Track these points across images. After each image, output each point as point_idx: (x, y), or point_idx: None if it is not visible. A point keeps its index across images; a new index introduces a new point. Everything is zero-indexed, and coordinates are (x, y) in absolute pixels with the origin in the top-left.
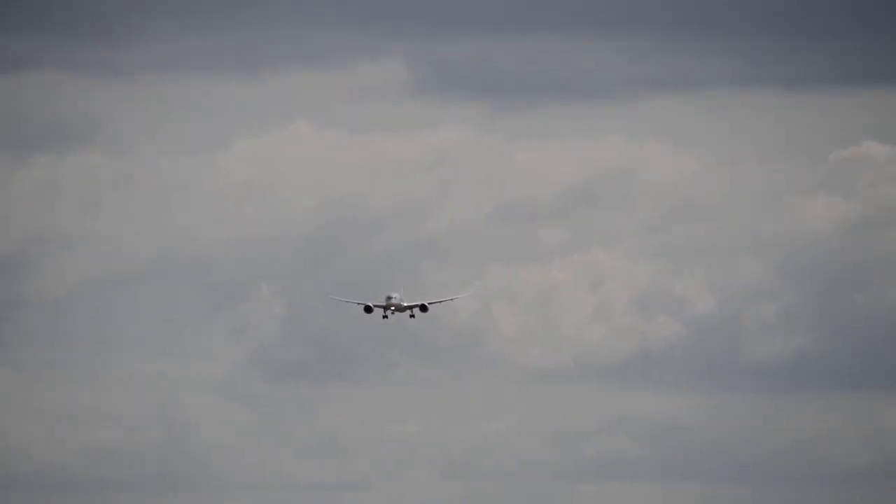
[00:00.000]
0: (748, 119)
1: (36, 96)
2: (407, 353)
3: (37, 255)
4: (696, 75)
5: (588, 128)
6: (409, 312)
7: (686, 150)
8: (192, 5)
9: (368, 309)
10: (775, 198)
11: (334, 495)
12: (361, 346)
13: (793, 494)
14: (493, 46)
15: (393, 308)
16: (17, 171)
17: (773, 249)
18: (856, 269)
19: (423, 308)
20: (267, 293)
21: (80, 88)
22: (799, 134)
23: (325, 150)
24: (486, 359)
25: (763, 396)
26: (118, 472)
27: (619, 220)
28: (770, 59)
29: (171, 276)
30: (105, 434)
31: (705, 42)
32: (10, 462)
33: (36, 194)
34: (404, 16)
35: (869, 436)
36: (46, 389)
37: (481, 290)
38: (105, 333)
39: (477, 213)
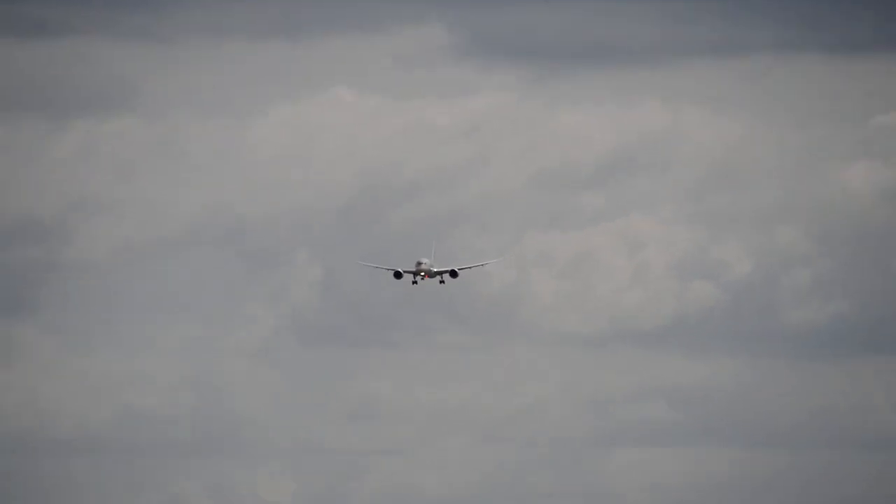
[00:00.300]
0: (788, 84)
1: (75, 62)
2: (443, 319)
3: (74, 221)
4: (736, 40)
5: (627, 93)
6: (438, 278)
7: (725, 116)
8: None
9: (398, 275)
10: (814, 163)
11: (369, 461)
12: (398, 311)
13: (829, 460)
14: (532, 12)
15: (423, 273)
16: (55, 137)
17: (811, 215)
18: (894, 235)
19: (453, 274)
20: (303, 259)
21: (120, 54)
22: (839, 99)
23: (364, 117)
24: (523, 325)
25: (799, 362)
26: (154, 437)
27: (657, 185)
28: (810, 24)
29: (208, 242)
30: (141, 399)
31: (745, 7)
32: (46, 427)
33: (74, 159)
34: None
35: None
36: (83, 354)
37: (511, 256)
38: (141, 299)
39: (516, 180)
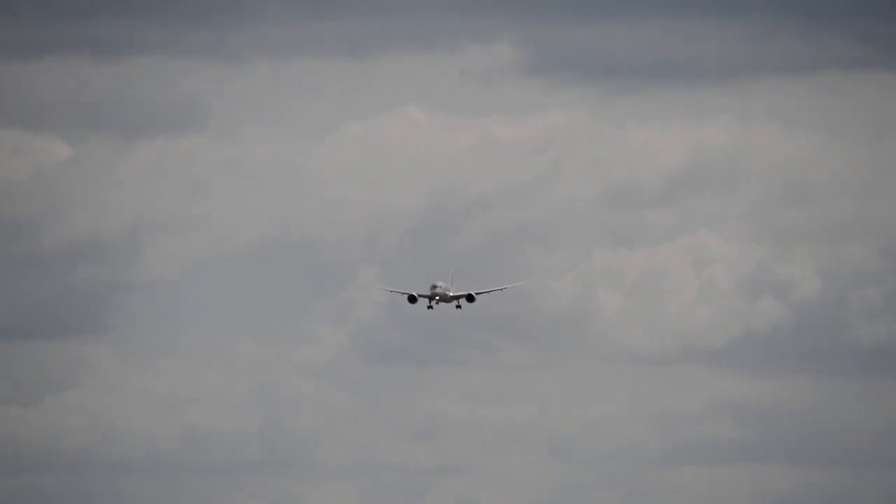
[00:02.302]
0: (859, 101)
1: (145, 80)
2: (509, 337)
3: (144, 239)
4: (807, 57)
5: (697, 111)
6: (455, 303)
7: (796, 133)
8: None
9: (412, 299)
10: (885, 180)
11: (434, 479)
12: (463, 329)
13: None
14: (602, 29)
15: (438, 298)
16: (125, 156)
17: (881, 232)
18: None
19: (470, 298)
20: (370, 277)
21: (190, 73)
22: None
23: (433, 135)
24: (589, 342)
25: (867, 380)
26: (220, 456)
27: (726, 202)
28: (881, 41)
29: (276, 261)
30: (207, 418)
31: (816, 24)
32: (113, 445)
33: (144, 178)
34: None
35: None
36: (150, 373)
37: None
38: (209, 317)
39: (584, 197)
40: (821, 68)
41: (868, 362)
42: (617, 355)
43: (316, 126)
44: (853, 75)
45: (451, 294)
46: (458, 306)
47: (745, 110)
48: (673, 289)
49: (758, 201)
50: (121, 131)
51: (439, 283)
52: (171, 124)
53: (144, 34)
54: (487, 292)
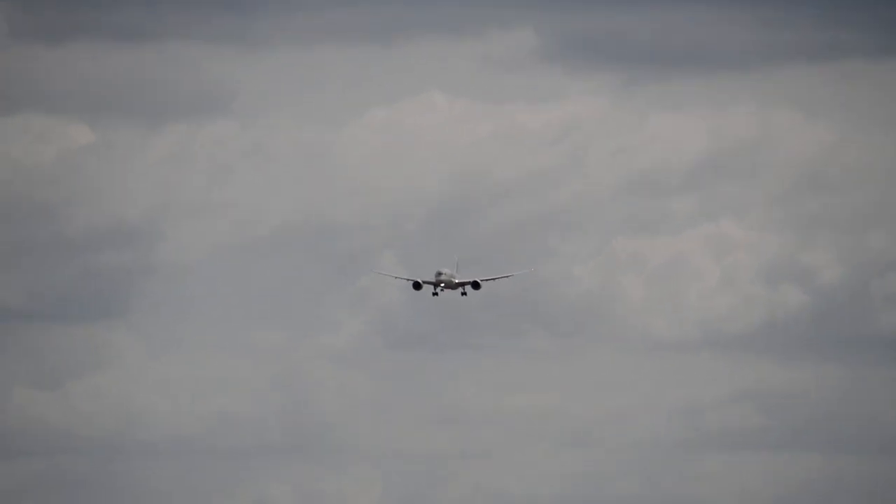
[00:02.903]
0: (880, 90)
1: (170, 66)
2: (531, 323)
3: (168, 224)
4: (829, 45)
5: (720, 98)
6: (460, 290)
7: (818, 121)
8: None
9: (417, 285)
10: None
11: (455, 465)
12: (485, 315)
13: None
14: (624, 16)
15: (443, 285)
16: (149, 140)
17: None
18: None
19: (476, 285)
20: (393, 262)
21: (215, 59)
22: None
23: (455, 121)
24: (611, 329)
25: (890, 367)
26: (242, 441)
27: (748, 190)
28: None
29: (300, 246)
30: (229, 402)
31: (838, 12)
32: (135, 429)
33: (169, 163)
34: None
35: None
36: (173, 357)
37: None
38: (232, 302)
39: (605, 184)
40: (843, 56)
41: (890, 349)
42: (638, 342)
43: (339, 112)
44: (875, 63)
45: (457, 281)
46: (464, 293)
47: (766, 98)
48: (695, 276)
49: (779, 189)
50: (145, 116)
51: (444, 270)
52: (195, 109)
53: (169, 19)
54: (493, 279)
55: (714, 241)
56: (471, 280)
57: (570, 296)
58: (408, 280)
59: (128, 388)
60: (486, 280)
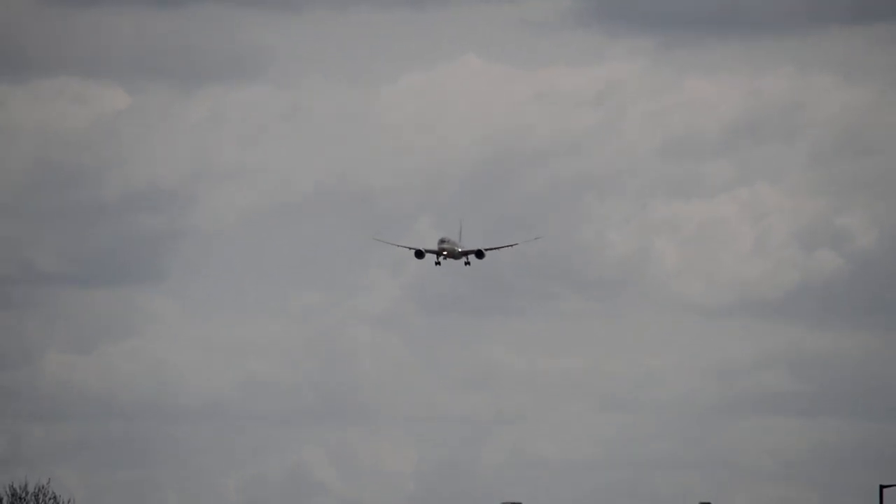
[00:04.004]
0: None
1: (205, 29)
2: (566, 286)
3: (203, 187)
4: (866, 7)
5: (756, 61)
6: (463, 259)
7: (855, 83)
8: None
9: (420, 254)
10: None
11: (491, 428)
12: (520, 278)
13: None
14: None
15: (445, 253)
16: (184, 104)
17: None
18: None
19: (479, 254)
20: (428, 225)
21: (250, 22)
22: None
23: (492, 84)
24: (646, 293)
25: None
26: (277, 405)
27: (785, 153)
28: None
29: (335, 209)
30: (264, 366)
31: None
32: (171, 393)
33: (203, 127)
34: None
35: None
36: (208, 321)
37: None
38: (267, 266)
39: (642, 147)
40: (881, 18)
41: None
42: (673, 306)
43: (375, 76)
44: None
45: (460, 250)
46: (468, 262)
47: (803, 61)
48: (730, 240)
49: (816, 152)
50: (180, 80)
51: (447, 238)
52: (231, 73)
53: None
54: (497, 248)
55: (749, 205)
56: (475, 249)
57: (605, 259)
58: (409, 248)
59: (162, 353)
60: (490, 249)
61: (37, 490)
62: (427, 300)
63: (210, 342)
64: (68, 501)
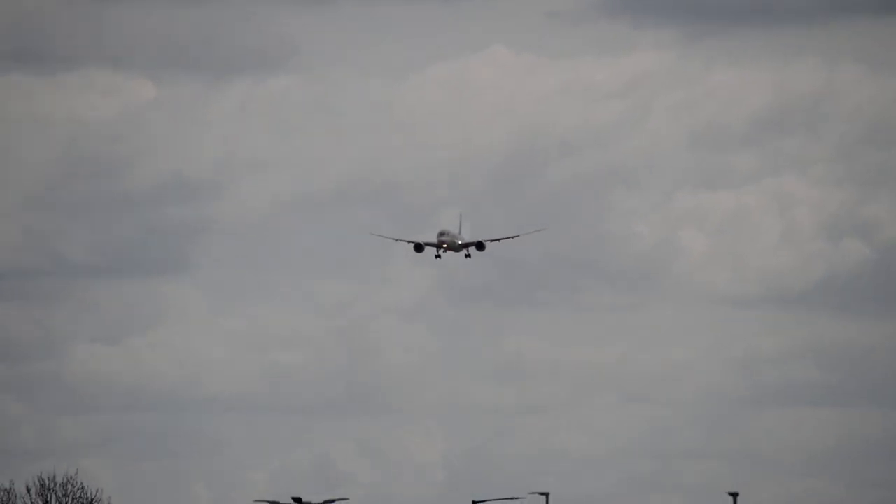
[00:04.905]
0: None
1: (233, 21)
2: (593, 278)
3: (231, 178)
4: None
5: (783, 52)
6: (464, 252)
7: (882, 74)
8: None
9: (419, 247)
10: None
11: (518, 420)
12: (547, 270)
13: None
14: None
15: (445, 246)
16: (212, 95)
17: None
18: None
19: (480, 246)
20: (455, 217)
21: (277, 13)
22: None
23: (519, 75)
24: (673, 284)
25: None
26: (304, 395)
27: (812, 144)
28: None
29: (362, 200)
30: (291, 357)
31: None
32: (198, 384)
33: (230, 118)
34: None
35: None
36: (236, 312)
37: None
38: (294, 256)
39: (669, 138)
40: None
41: None
42: (699, 297)
43: (403, 67)
44: None
45: (460, 242)
46: (468, 255)
47: (830, 51)
48: (757, 231)
49: (842, 143)
50: (208, 71)
51: (447, 231)
52: (259, 65)
53: None
54: (498, 240)
55: (776, 196)
56: (475, 241)
57: (632, 250)
58: (409, 242)
59: (190, 344)
60: (491, 241)
61: (65, 481)
62: (454, 292)
63: (238, 333)
64: (96, 492)
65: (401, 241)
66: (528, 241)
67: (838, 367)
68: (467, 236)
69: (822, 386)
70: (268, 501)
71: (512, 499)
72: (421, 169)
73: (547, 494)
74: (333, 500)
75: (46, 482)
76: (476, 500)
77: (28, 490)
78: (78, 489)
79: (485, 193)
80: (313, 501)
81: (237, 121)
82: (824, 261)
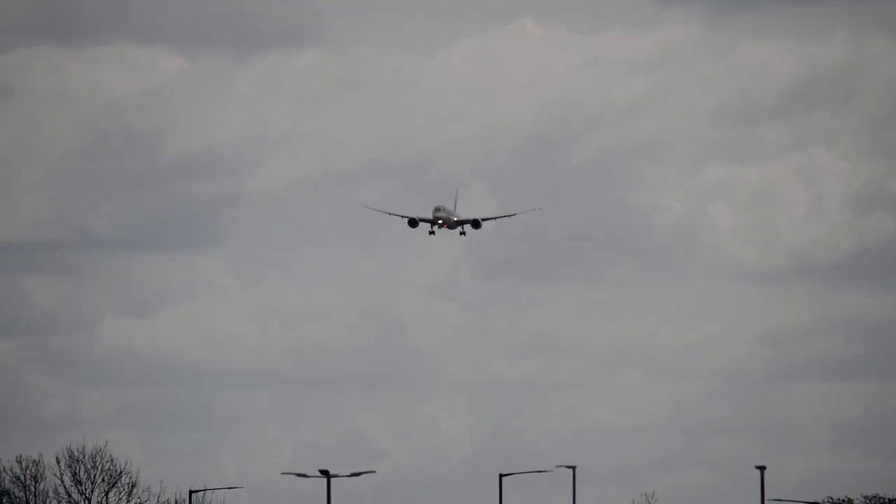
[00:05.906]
0: None
1: None
2: (619, 253)
3: (256, 154)
4: None
5: (812, 26)
6: (459, 229)
7: None
8: None
9: (413, 223)
10: None
11: (543, 394)
12: (572, 245)
13: None
14: None
15: (441, 222)
16: (239, 70)
17: None
18: None
19: (476, 224)
20: (482, 191)
21: None
22: None
23: (548, 49)
24: (700, 259)
25: None
26: (331, 371)
27: (841, 118)
28: None
29: (389, 176)
30: (318, 332)
31: None
32: (226, 358)
33: (257, 93)
34: None
35: None
36: (263, 286)
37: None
38: (320, 232)
39: (697, 112)
40: None
41: None
42: (728, 272)
43: (430, 41)
44: None
45: (456, 219)
46: (463, 233)
47: (859, 25)
48: (785, 205)
49: (872, 117)
50: (235, 46)
51: (443, 207)
52: (285, 39)
53: None
54: (495, 218)
55: (804, 170)
56: (471, 218)
57: (659, 224)
58: (402, 217)
59: (218, 318)
60: (487, 219)
61: (94, 453)
62: (481, 267)
63: (265, 307)
64: (125, 464)
65: (394, 215)
66: (553, 216)
67: (866, 340)
68: (463, 213)
69: (850, 360)
70: (295, 474)
71: (539, 471)
72: (448, 143)
73: (574, 468)
74: (360, 473)
75: (75, 454)
76: (503, 473)
77: (58, 461)
78: (107, 461)
79: (512, 168)
80: (340, 474)
81: (265, 95)
82: (853, 235)
